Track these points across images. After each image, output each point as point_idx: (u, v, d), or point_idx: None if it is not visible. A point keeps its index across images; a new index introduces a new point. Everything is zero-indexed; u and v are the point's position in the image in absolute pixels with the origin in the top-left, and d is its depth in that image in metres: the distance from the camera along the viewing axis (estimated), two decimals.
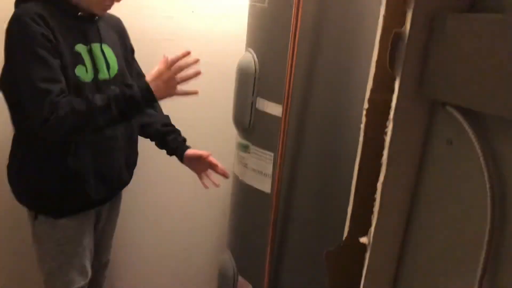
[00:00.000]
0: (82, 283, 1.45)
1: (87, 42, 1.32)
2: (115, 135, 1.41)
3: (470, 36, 0.67)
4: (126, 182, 1.54)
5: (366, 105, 0.89)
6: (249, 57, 1.42)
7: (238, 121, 1.53)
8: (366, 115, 0.90)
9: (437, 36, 0.73)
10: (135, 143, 1.55)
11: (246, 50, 1.49)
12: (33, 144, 1.31)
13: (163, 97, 1.30)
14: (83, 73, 1.29)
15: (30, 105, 1.19)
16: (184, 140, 1.63)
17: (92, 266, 1.50)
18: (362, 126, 0.93)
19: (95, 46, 1.34)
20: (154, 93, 1.26)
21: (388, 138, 0.80)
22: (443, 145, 0.78)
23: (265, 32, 1.39)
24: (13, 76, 1.23)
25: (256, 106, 1.42)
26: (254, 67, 1.39)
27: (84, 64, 1.29)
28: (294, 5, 1.19)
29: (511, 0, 0.65)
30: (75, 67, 1.27)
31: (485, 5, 0.70)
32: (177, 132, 1.63)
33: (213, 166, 1.58)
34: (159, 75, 1.28)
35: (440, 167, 0.80)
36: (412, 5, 0.73)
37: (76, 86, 1.26)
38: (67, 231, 1.37)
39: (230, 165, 1.74)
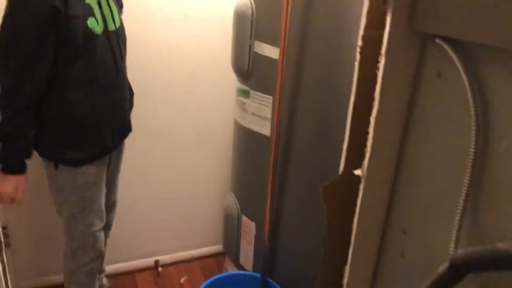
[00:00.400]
0: (100, 226, 1.54)
1: None
2: (123, 85, 1.48)
3: None
4: (131, 127, 1.60)
5: (359, 42, 0.91)
6: (246, 0, 1.42)
7: (237, 66, 1.54)
8: (360, 52, 0.92)
9: None
10: (131, 90, 1.60)
11: None
12: (52, 98, 1.35)
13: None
14: (95, 25, 1.32)
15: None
16: None
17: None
18: (356, 64, 0.95)
19: None
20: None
21: (380, 73, 0.82)
22: (433, 78, 0.81)
23: None
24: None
25: (254, 49, 1.43)
26: (251, 10, 1.39)
27: (94, 16, 1.31)
28: None
29: None
30: (87, 19, 1.29)
31: None
32: None
33: None
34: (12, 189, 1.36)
35: (430, 100, 0.82)
36: None
37: (89, 38, 1.30)
38: (88, 178, 1.44)
39: (231, 111, 1.78)
